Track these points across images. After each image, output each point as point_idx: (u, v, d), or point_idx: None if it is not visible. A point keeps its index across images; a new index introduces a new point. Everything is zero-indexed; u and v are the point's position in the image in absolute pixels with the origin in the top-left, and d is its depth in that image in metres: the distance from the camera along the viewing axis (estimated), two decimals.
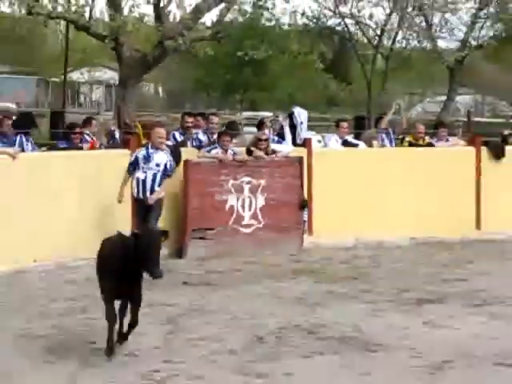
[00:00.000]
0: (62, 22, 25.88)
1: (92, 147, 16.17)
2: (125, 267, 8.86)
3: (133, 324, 9.12)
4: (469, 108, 30.27)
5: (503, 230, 17.32)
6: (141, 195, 13.75)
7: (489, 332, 10.66)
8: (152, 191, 13.76)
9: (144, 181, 13.73)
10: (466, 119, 26.34)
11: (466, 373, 8.96)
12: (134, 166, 13.76)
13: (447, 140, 18.58)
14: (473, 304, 11.99)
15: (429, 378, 8.83)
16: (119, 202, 13.77)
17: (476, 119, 28.11)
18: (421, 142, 17.97)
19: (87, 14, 23.34)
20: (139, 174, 13.73)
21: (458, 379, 8.81)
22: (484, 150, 17.97)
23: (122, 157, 14.93)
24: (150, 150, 13.82)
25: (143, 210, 13.67)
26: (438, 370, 9.04)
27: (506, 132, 19.71)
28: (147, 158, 13.76)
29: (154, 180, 13.75)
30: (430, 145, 17.97)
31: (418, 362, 9.25)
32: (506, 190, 17.61)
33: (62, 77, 30.19)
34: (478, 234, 17.54)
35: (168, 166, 13.94)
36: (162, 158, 13.93)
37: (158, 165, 13.79)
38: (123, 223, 13.32)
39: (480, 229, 17.70)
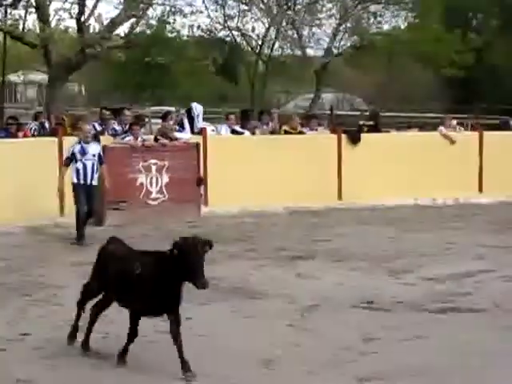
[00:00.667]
0: (0, 33, 25.27)
1: (25, 136, 15.97)
2: (167, 281, 6.87)
3: (175, 336, 6.87)
4: (332, 103, 30.34)
5: (359, 200, 17.41)
6: (82, 181, 13.42)
7: (348, 281, 10.75)
8: (92, 177, 13.48)
9: (85, 170, 13.39)
10: (329, 112, 26.42)
11: (330, 314, 9.00)
12: (71, 159, 13.43)
13: (316, 129, 18.75)
14: (335, 259, 12.06)
15: (300, 318, 8.88)
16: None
17: (338, 112, 28.19)
18: (294, 131, 18.00)
19: (21, 26, 22.94)
20: (78, 165, 13.39)
21: (323, 319, 8.84)
22: (344, 137, 18.05)
23: (51, 143, 14.84)
24: (84, 145, 13.49)
25: (84, 193, 13.40)
26: (307, 312, 9.09)
27: (361, 122, 19.91)
28: (83, 151, 13.43)
29: (92, 168, 13.47)
30: (302, 133, 18.04)
31: (292, 306, 9.28)
32: (360, 167, 17.64)
33: (1, 78, 29.41)
34: (339, 203, 17.58)
35: (101, 155, 13.74)
36: (95, 148, 13.68)
37: (93, 155, 13.50)
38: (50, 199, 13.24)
39: (341, 199, 17.79)
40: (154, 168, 15.88)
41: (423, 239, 13.83)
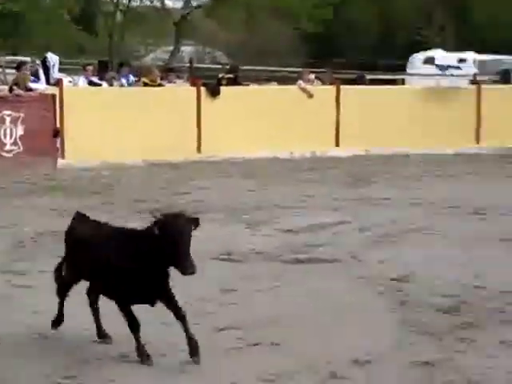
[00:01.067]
0: None
1: None
2: (147, 265, 5.91)
3: (182, 319, 6.00)
4: (191, 56, 30.31)
5: (218, 153, 17.47)
6: None
7: (207, 233, 10.66)
8: None
9: None
10: (189, 65, 26.40)
11: None
12: None
13: (175, 82, 18.69)
14: (194, 212, 12.07)
15: None
16: None
17: (197, 65, 28.20)
18: (154, 83, 17.92)
19: None
20: None
21: None
22: (203, 90, 18.04)
23: None
24: None
25: None
26: None
27: (220, 76, 19.77)
28: None
29: None
30: (161, 85, 17.93)
31: None
32: (220, 120, 17.75)
33: None
34: (199, 156, 17.61)
35: None
36: None
37: None
38: None
39: (200, 152, 17.79)
40: (8, 119, 15.52)
41: (281, 192, 14.01)
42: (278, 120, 18.06)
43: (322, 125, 18.50)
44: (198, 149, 17.86)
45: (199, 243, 10.26)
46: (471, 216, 11.99)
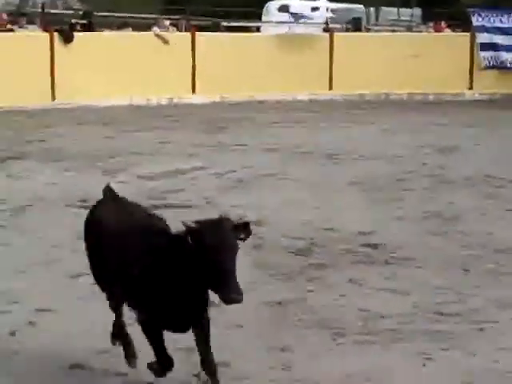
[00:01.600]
0: None
1: None
2: (177, 285, 4.43)
3: (211, 368, 4.60)
4: (44, 1, 29.69)
5: (74, 100, 17.25)
6: None
7: (62, 181, 10.70)
8: None
9: None
10: (41, 11, 25.92)
11: (42, 213, 8.99)
12: None
13: (27, 27, 18.46)
14: (49, 159, 11.93)
15: (10, 218, 8.80)
16: None
17: (50, 11, 27.69)
18: (3, 28, 17.67)
19: None
20: None
21: (35, 218, 8.80)
22: (56, 35, 17.85)
23: None
24: None
25: None
26: (19, 212, 8.98)
27: (74, 21, 19.78)
28: None
29: None
30: (11, 30, 17.62)
31: (3, 207, 9.17)
32: (74, 67, 17.52)
33: None
34: (54, 103, 17.38)
35: None
36: None
37: None
38: None
39: (55, 99, 17.50)
40: None
41: (137, 138, 14.08)
42: (133, 67, 18.04)
43: (178, 72, 18.64)
44: (53, 96, 17.65)
45: (54, 191, 10.24)
46: (324, 161, 12.33)
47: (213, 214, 9.08)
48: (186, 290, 4.40)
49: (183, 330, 4.57)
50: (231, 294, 4.15)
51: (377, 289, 6.69)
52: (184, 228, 4.30)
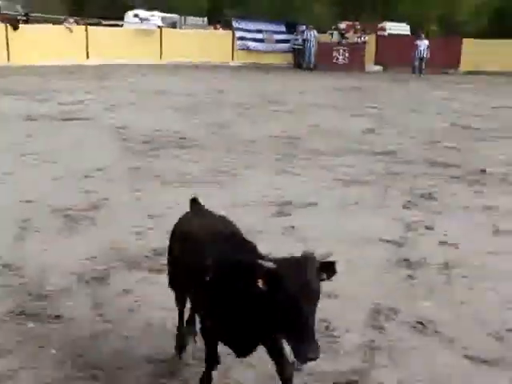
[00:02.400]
0: None
1: None
2: (246, 312, 3.61)
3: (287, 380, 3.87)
4: None
5: (21, 62, 21.20)
6: None
7: None
8: None
9: None
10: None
11: None
12: None
13: None
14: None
15: None
16: None
17: (7, 12, 27.49)
18: None
19: None
20: None
21: None
22: (8, 25, 22.66)
23: None
24: None
25: None
26: None
27: (19, 17, 24.32)
28: None
29: None
30: None
31: None
32: (21, 43, 22.50)
33: None
34: (9, 64, 21.64)
35: None
36: None
37: None
38: None
39: (9, 61, 22.11)
40: None
41: (59, 84, 16.45)
42: (53, 43, 22.85)
43: (77, 46, 23.67)
44: (8, 59, 22.10)
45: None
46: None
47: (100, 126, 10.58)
48: (255, 320, 3.60)
49: (244, 352, 3.88)
50: (308, 354, 3.28)
51: None
52: (267, 260, 3.43)
